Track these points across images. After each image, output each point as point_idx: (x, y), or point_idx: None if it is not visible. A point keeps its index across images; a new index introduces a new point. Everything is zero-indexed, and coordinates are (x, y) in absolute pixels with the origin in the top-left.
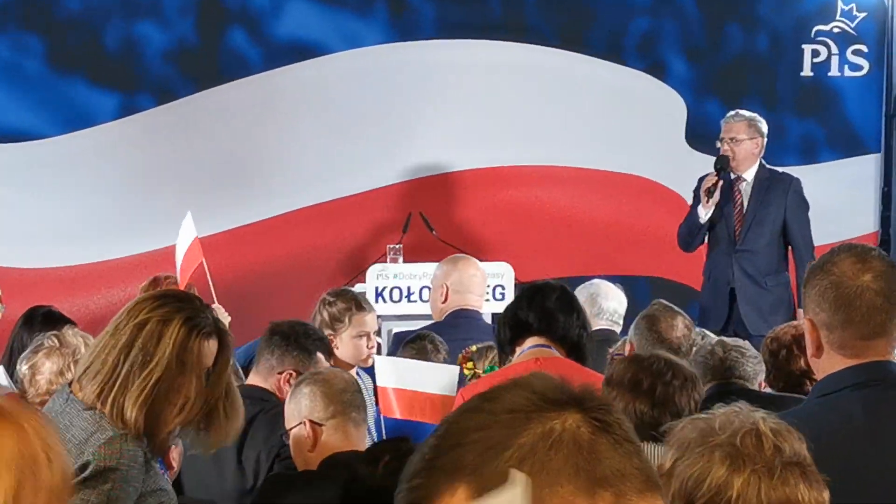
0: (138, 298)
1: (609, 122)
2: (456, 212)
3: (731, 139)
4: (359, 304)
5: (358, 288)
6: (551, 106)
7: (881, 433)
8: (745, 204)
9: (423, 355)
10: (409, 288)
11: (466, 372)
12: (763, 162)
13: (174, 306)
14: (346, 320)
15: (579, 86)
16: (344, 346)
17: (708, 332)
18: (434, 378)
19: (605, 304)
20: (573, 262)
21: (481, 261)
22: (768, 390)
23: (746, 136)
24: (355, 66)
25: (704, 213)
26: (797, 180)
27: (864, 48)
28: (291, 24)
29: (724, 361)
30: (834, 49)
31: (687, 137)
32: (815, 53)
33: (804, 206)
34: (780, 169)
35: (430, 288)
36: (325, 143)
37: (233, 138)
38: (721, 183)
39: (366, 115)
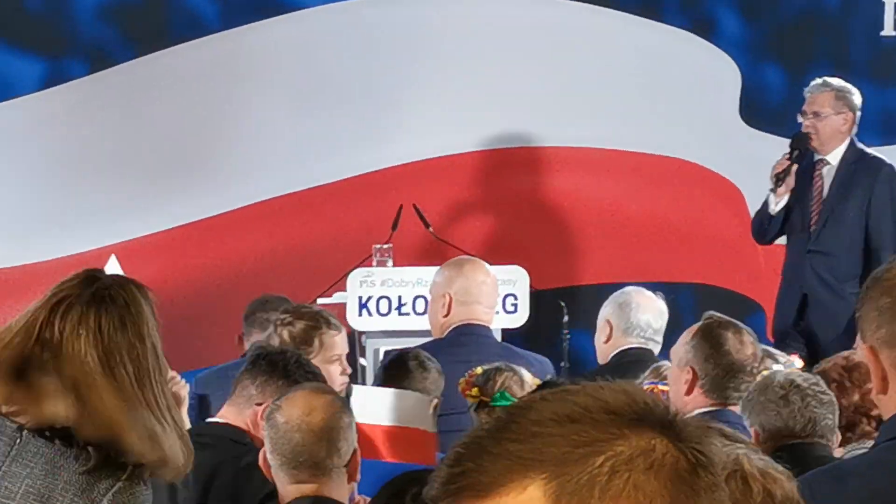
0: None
1: (645, 94)
2: (457, 204)
3: (815, 113)
4: (327, 321)
5: (338, 298)
6: (573, 74)
7: None
8: (825, 193)
9: (406, 378)
10: (400, 298)
11: (470, 400)
12: (855, 141)
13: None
14: (317, 342)
15: (607, 49)
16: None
17: (773, 352)
18: (407, 408)
19: (638, 317)
20: (601, 266)
21: (490, 264)
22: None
23: (832, 110)
24: (332, 25)
25: (775, 203)
26: (890, 166)
27: None
28: None
29: (802, 413)
30: None
31: (742, 112)
32: None
33: (891, 189)
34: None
35: (427, 298)
36: (295, 120)
37: (183, 113)
38: (795, 167)
39: (345, 86)
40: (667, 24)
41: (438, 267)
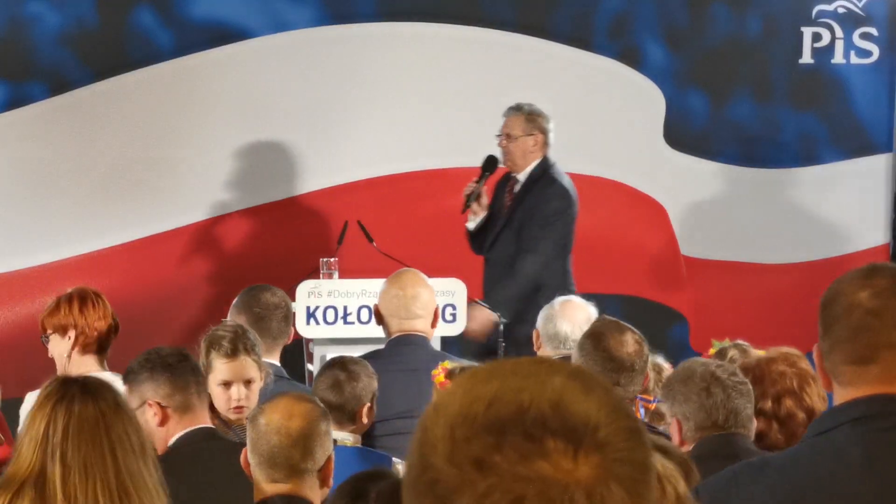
0: None
1: (575, 118)
2: (399, 220)
3: (507, 135)
4: (217, 343)
5: None
6: (508, 99)
7: (883, 479)
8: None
9: (336, 389)
10: (345, 308)
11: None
12: (547, 160)
13: None
14: (204, 361)
15: (540, 75)
16: (213, 393)
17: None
18: None
19: (559, 327)
20: None
21: (429, 277)
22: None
23: (523, 132)
24: (281, 52)
25: (472, 221)
26: (560, 185)
27: (873, 31)
28: (207, 3)
29: (724, 405)
30: (838, 32)
31: (666, 135)
32: (817, 37)
33: (549, 207)
34: (774, 171)
35: (370, 308)
36: (245, 141)
37: (138, 134)
38: (485, 188)
39: (293, 109)
40: (596, 53)
41: (383, 280)
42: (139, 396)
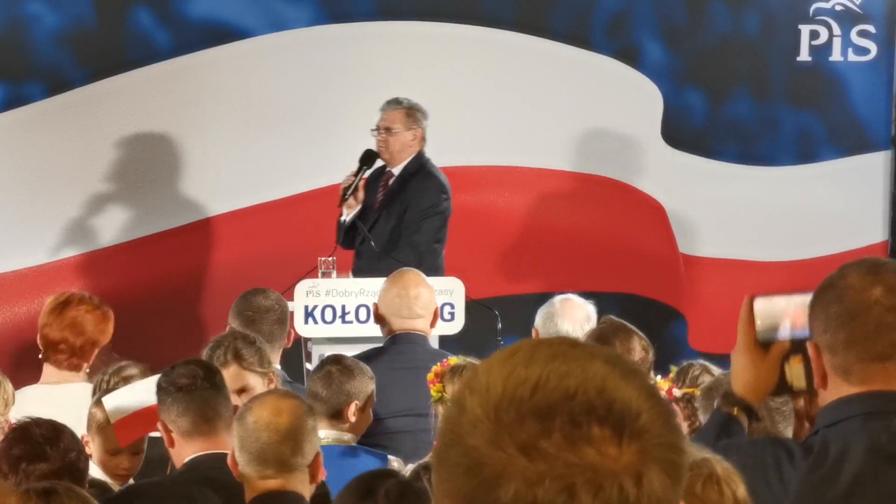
0: None
1: (573, 116)
2: None
3: (386, 129)
4: (209, 353)
5: None
6: (507, 97)
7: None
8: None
9: (326, 381)
10: (343, 307)
11: (434, 394)
12: (423, 154)
13: None
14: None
15: (539, 74)
16: None
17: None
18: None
19: (559, 326)
20: (532, 276)
21: (428, 276)
22: None
23: (403, 126)
24: (279, 52)
25: (346, 214)
26: (436, 178)
27: (870, 28)
28: (205, 2)
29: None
30: (836, 30)
31: (664, 133)
32: (814, 35)
33: (425, 200)
34: (772, 169)
35: (368, 307)
36: (244, 141)
37: (137, 134)
38: (363, 181)
39: (291, 108)
40: (595, 51)
41: (382, 279)
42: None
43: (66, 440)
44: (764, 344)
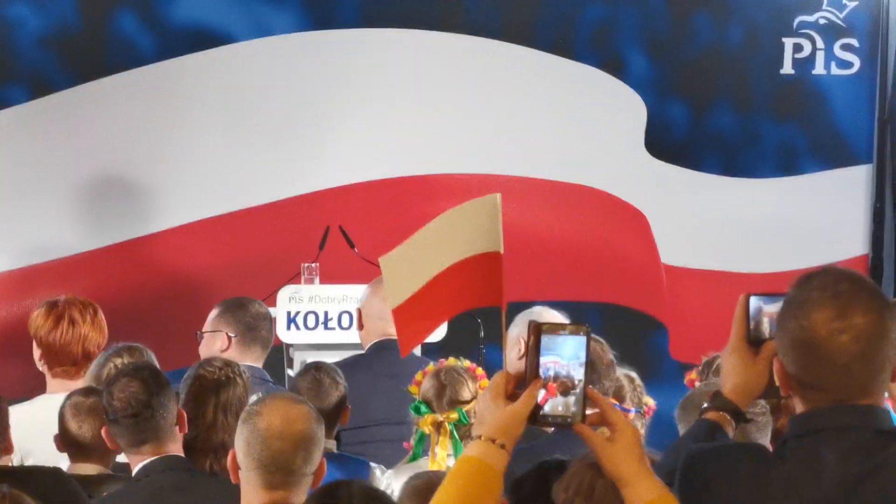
0: None
1: (557, 126)
2: (381, 226)
3: None
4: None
5: None
6: (490, 106)
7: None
8: None
9: (316, 389)
10: (326, 313)
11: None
12: None
13: None
14: None
15: (522, 83)
16: None
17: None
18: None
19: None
20: (512, 285)
21: None
22: None
23: None
24: (264, 57)
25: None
26: None
27: (854, 42)
28: (189, 7)
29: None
30: (819, 43)
31: (647, 144)
32: (798, 48)
33: None
34: (754, 181)
35: (351, 313)
36: (227, 146)
37: (119, 138)
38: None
39: (276, 114)
40: (578, 61)
41: (364, 285)
42: None
43: None
44: (756, 344)
